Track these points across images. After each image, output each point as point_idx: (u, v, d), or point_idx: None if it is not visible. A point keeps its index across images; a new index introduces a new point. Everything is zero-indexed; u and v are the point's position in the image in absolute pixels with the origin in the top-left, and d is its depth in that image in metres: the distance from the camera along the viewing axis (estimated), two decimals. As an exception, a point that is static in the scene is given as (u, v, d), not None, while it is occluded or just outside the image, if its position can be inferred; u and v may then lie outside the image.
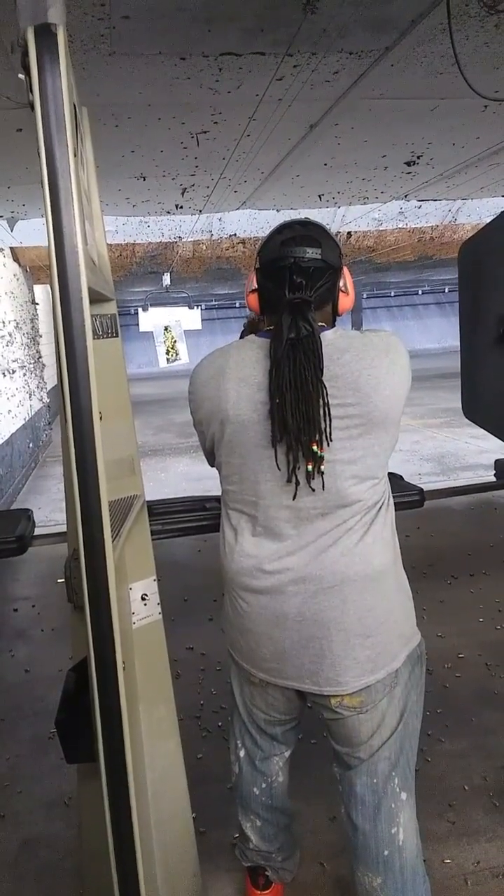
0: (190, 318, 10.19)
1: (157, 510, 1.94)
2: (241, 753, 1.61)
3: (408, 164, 3.69)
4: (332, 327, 1.34)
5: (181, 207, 4.54)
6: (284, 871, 1.75)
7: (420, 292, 26.33)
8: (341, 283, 1.35)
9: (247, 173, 3.66)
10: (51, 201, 0.94)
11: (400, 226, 7.21)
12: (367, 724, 1.37)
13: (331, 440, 1.25)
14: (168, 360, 10.17)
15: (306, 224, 1.33)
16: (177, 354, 10.20)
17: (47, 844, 2.07)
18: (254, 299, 1.38)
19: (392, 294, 26.07)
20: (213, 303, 22.91)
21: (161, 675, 1.63)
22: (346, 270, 1.37)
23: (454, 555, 4.24)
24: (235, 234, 6.70)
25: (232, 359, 1.34)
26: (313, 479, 1.27)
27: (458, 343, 2.69)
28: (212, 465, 1.49)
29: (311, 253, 1.28)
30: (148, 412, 13.66)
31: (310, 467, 1.26)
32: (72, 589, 1.33)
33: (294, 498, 1.30)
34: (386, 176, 3.96)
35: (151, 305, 10.40)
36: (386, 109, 2.73)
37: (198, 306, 10.88)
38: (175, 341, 10.18)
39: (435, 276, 17.13)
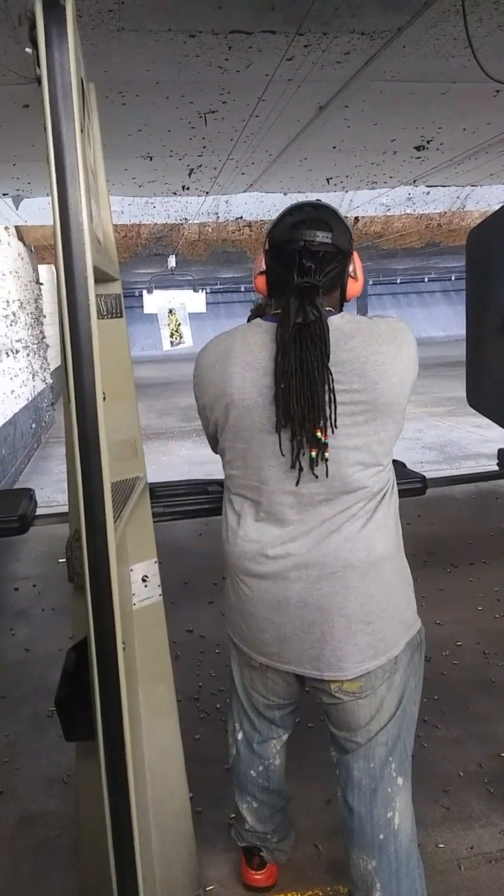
0: (195, 301, 10.12)
1: (159, 492, 1.94)
2: (239, 736, 1.62)
3: (417, 148, 3.64)
4: (340, 312, 1.33)
5: (188, 189, 4.49)
6: (279, 852, 1.77)
7: (426, 279, 26.18)
8: (351, 269, 1.34)
9: (255, 155, 3.62)
10: (56, 177, 0.93)
11: (408, 211, 7.14)
12: (365, 709, 1.37)
13: (335, 427, 1.25)
14: (172, 343, 10.12)
15: (318, 207, 1.32)
16: (181, 337, 10.14)
17: (45, 821, 2.09)
18: (262, 281, 1.37)
19: (398, 281, 25.92)
20: (218, 286, 22.79)
21: (161, 656, 1.64)
22: (355, 255, 1.35)
23: (455, 543, 4.24)
24: (242, 217, 6.64)
25: (238, 342, 1.33)
26: (317, 465, 1.27)
27: (464, 332, 2.68)
28: (215, 451, 1.48)
29: (322, 237, 1.27)
30: (151, 395, 13.65)
31: (314, 454, 1.26)
32: (73, 569, 1.33)
33: (297, 484, 1.29)
34: (395, 160, 3.91)
35: (156, 288, 10.34)
36: (396, 92, 2.69)
37: (203, 289, 10.81)
38: (179, 324, 10.12)
39: (442, 263, 17.01)
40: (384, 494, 1.34)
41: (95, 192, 1.27)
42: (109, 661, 1.07)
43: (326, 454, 1.26)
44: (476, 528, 4.50)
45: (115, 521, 1.08)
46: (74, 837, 1.93)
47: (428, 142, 3.51)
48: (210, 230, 8.18)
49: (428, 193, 5.85)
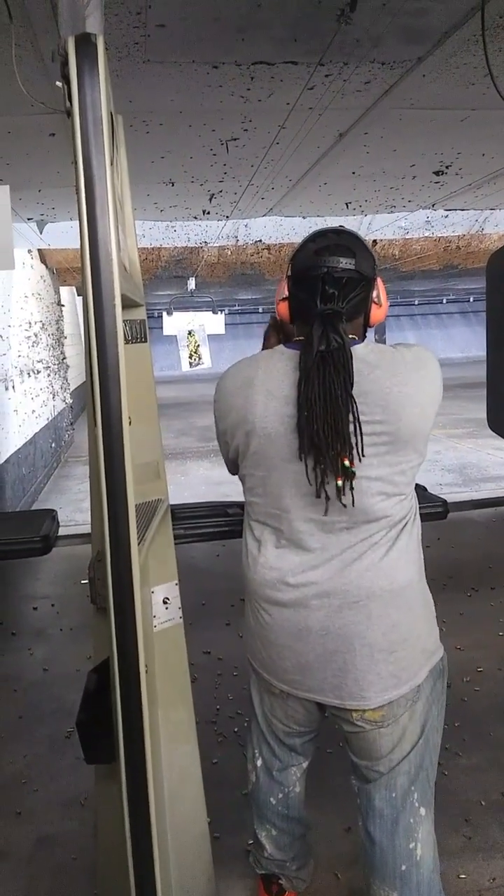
0: (213, 322, 10.20)
1: (180, 514, 1.95)
2: (259, 763, 1.61)
3: (436, 173, 3.67)
4: (363, 339, 1.33)
5: (208, 213, 4.55)
6: (298, 881, 1.75)
7: (444, 301, 26.19)
8: (374, 294, 1.33)
9: (275, 181, 3.67)
10: (87, 210, 0.95)
11: (426, 234, 7.17)
12: (387, 738, 1.36)
13: (363, 455, 1.24)
14: (191, 364, 10.18)
15: (340, 233, 1.32)
16: (199, 359, 10.21)
17: (62, 843, 2.08)
18: (284, 307, 1.37)
19: (416, 303, 25.96)
20: (237, 308, 22.96)
21: (180, 678, 1.64)
22: (379, 281, 1.35)
23: (475, 567, 4.20)
24: (261, 241, 6.70)
25: (261, 370, 1.34)
26: (343, 494, 1.26)
27: (482, 353, 2.68)
28: (232, 473, 1.48)
29: (345, 263, 1.27)
30: (169, 415, 13.71)
31: (339, 482, 1.25)
32: (95, 590, 1.34)
33: (326, 513, 1.29)
34: (414, 185, 3.94)
35: (175, 309, 10.43)
36: (416, 119, 2.73)
37: (221, 311, 10.89)
38: (198, 345, 10.19)
39: (460, 285, 17.02)
40: (406, 522, 1.33)
41: (122, 221, 1.30)
42: (132, 684, 1.08)
43: (353, 483, 1.26)
44: (497, 552, 4.45)
45: (138, 544, 1.09)
46: (92, 860, 1.92)
47: (447, 167, 3.54)
48: (229, 253, 8.27)
49: (446, 217, 5.87)
